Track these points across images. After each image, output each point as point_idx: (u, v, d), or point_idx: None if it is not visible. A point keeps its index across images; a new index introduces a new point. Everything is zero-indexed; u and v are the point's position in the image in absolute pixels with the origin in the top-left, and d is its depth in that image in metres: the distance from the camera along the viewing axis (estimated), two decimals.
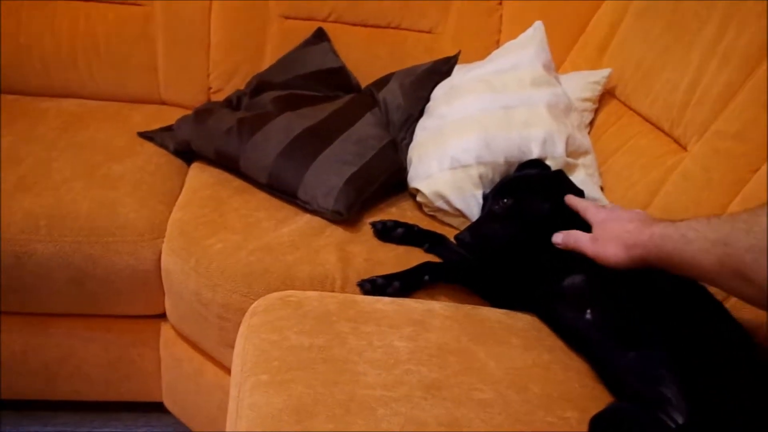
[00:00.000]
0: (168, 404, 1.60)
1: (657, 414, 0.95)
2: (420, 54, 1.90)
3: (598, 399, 1.06)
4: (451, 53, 1.77)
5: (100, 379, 1.56)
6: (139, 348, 1.53)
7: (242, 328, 1.14)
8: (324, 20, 1.93)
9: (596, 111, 1.72)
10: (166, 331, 1.50)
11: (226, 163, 1.54)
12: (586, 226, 1.24)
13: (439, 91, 1.64)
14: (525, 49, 1.62)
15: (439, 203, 1.47)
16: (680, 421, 0.92)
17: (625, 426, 0.97)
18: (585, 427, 0.97)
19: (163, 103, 1.92)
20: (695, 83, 1.45)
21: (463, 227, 1.40)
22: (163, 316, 1.48)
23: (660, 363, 1.01)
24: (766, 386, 1.00)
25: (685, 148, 1.44)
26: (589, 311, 1.14)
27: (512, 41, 1.70)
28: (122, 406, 1.65)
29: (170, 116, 1.74)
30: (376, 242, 1.39)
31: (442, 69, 1.69)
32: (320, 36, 1.90)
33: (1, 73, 1.84)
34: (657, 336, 1.07)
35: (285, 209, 1.45)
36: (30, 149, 1.56)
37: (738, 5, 1.41)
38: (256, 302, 1.18)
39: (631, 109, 1.65)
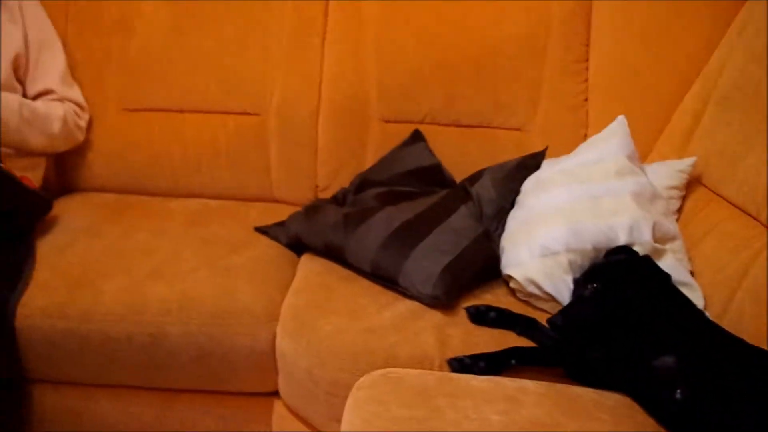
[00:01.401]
0: None
1: None
2: (510, 150, 2.01)
3: None
4: (540, 148, 1.89)
5: None
6: (253, 424, 1.65)
7: (349, 402, 1.25)
8: (420, 122, 2.09)
9: (684, 198, 1.78)
10: (278, 408, 1.62)
11: (334, 254, 1.69)
12: (670, 308, 1.30)
13: (528, 184, 1.75)
14: (609, 142, 1.72)
15: (531, 289, 1.55)
16: None
17: None
18: None
19: (276, 201, 2.11)
20: None
21: (554, 311, 1.47)
22: (275, 393, 1.60)
23: None
24: None
25: None
26: (679, 391, 1.19)
27: (597, 135, 1.80)
28: None
29: (282, 212, 1.92)
30: (471, 326, 1.48)
31: (531, 163, 1.81)
32: (417, 137, 2.06)
33: (134, 176, 2.09)
34: (751, 418, 1.10)
35: (387, 295, 1.57)
36: (161, 243, 1.76)
37: None
38: (361, 378, 1.29)
39: (717, 195, 1.70)
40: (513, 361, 1.34)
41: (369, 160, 2.07)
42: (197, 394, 1.64)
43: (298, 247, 1.80)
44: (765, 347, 1.32)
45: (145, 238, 1.79)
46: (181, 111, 2.11)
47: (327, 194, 2.05)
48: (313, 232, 1.74)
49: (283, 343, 1.51)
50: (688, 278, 1.55)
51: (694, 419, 1.15)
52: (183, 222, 1.90)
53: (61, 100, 1.96)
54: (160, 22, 2.09)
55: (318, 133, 2.09)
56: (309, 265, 1.72)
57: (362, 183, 1.93)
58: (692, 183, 1.79)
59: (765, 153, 1.55)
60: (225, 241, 1.80)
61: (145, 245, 1.75)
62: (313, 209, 1.81)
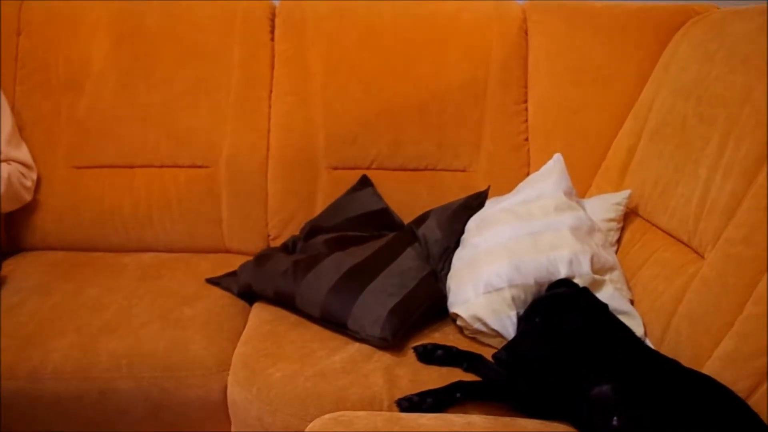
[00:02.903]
0: None
1: None
2: (456, 191, 2.07)
3: None
4: (485, 188, 1.94)
5: None
6: None
7: None
8: (368, 168, 2.14)
9: (622, 229, 1.85)
10: None
11: (284, 301, 1.71)
12: (608, 338, 1.35)
13: (472, 224, 1.80)
14: (547, 180, 1.79)
15: (477, 325, 1.59)
16: None
17: None
18: None
19: (228, 251, 2.13)
20: (705, 196, 1.57)
21: (500, 346, 1.50)
22: None
23: None
24: None
25: (702, 257, 1.54)
26: (615, 419, 1.23)
27: (535, 173, 1.87)
28: None
29: (235, 263, 1.94)
30: (420, 365, 1.51)
31: (474, 203, 1.87)
32: (365, 182, 2.11)
33: (85, 233, 2.10)
34: None
35: (337, 339, 1.59)
36: (112, 298, 1.76)
37: (734, 122, 1.55)
38: (311, 423, 1.31)
39: (653, 225, 1.77)
40: (458, 395, 1.37)
41: (319, 207, 2.11)
42: None
43: (249, 296, 1.82)
44: (701, 369, 1.37)
45: (97, 293, 1.79)
46: (132, 166, 2.13)
47: (278, 243, 2.08)
48: (264, 281, 1.76)
49: (234, 393, 1.52)
50: (627, 307, 1.61)
51: None
52: (135, 276, 1.91)
53: (6, 161, 1.97)
54: (108, 80, 2.13)
55: (268, 183, 2.13)
56: (260, 313, 1.74)
57: (312, 230, 1.97)
58: (629, 214, 1.86)
59: (693, 182, 1.62)
60: (177, 293, 1.81)
61: (96, 301, 1.75)
62: (263, 258, 1.84)
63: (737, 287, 1.40)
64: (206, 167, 2.13)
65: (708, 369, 1.37)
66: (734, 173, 1.51)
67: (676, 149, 1.74)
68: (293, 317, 1.69)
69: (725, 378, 1.31)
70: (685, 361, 1.40)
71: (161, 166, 2.14)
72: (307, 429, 1.29)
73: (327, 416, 1.32)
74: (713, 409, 1.21)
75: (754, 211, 1.43)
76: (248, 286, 1.80)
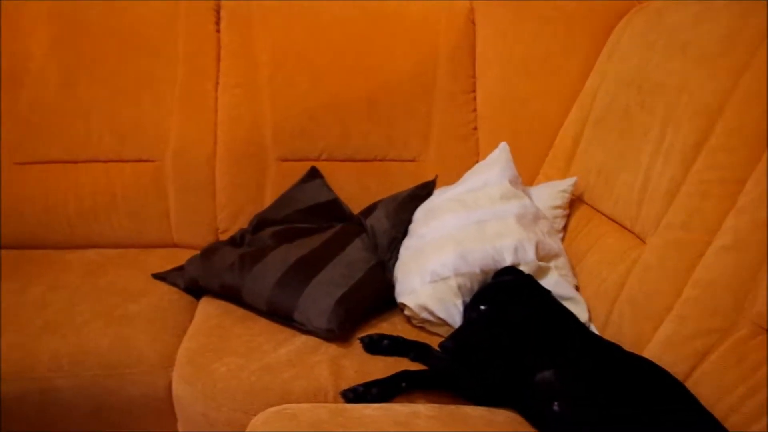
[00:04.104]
0: None
1: None
2: (406, 181, 2.06)
3: None
4: (434, 178, 1.95)
5: None
6: None
7: None
8: (317, 159, 2.13)
9: (568, 216, 1.87)
10: None
11: (230, 295, 1.69)
12: (551, 324, 1.36)
13: (419, 214, 1.80)
14: (493, 169, 1.80)
15: (424, 315, 1.59)
16: None
17: None
18: None
19: (176, 246, 2.10)
20: (646, 182, 1.60)
21: (447, 335, 1.51)
22: None
23: None
24: None
25: (644, 242, 1.56)
26: (556, 404, 1.24)
27: (481, 162, 1.88)
28: None
29: (182, 257, 1.90)
30: (366, 356, 1.51)
31: (422, 193, 1.87)
32: (314, 174, 2.09)
33: (28, 230, 2.05)
34: (619, 424, 1.16)
35: (283, 332, 1.58)
36: (56, 296, 1.73)
37: (673, 109, 1.57)
38: (255, 417, 1.30)
39: (598, 211, 1.79)
40: (404, 384, 1.37)
41: (268, 200, 2.09)
42: None
43: (196, 290, 1.80)
44: (642, 352, 1.40)
45: (40, 292, 1.76)
46: (75, 162, 2.09)
47: (227, 236, 2.05)
48: (210, 275, 1.74)
49: (178, 389, 1.50)
50: (572, 293, 1.62)
51: (571, 427, 1.20)
52: (80, 273, 1.87)
53: None
54: (50, 75, 2.08)
55: (216, 177, 2.10)
56: (207, 308, 1.72)
57: (260, 223, 1.95)
58: (575, 201, 1.88)
59: (635, 170, 1.64)
60: (122, 290, 1.78)
61: (39, 300, 1.72)
62: (209, 252, 1.82)
63: (676, 271, 1.42)
64: (152, 161, 2.09)
65: (648, 352, 1.39)
66: (673, 160, 1.54)
67: (619, 137, 1.77)
68: (240, 311, 1.67)
69: (665, 360, 1.33)
70: (627, 345, 1.42)
71: (106, 161, 2.10)
72: (250, 423, 1.28)
73: (271, 410, 1.31)
74: (652, 392, 1.23)
75: (691, 196, 1.46)
76: (195, 281, 1.78)
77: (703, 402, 1.21)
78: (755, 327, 1.24)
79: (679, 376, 1.29)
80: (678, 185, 1.50)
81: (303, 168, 2.11)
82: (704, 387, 1.25)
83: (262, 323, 1.62)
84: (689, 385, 1.27)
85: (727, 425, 1.16)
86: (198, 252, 1.88)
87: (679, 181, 1.50)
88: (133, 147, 2.09)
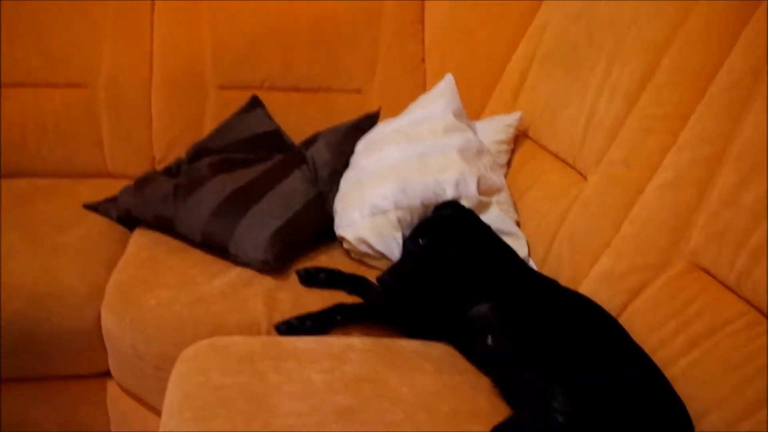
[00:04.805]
0: None
1: (545, 419, 1.05)
2: (350, 113, 1.99)
3: (504, 413, 1.14)
4: (380, 110, 1.90)
5: None
6: (88, 406, 1.59)
7: (172, 375, 1.22)
8: (258, 88, 2.05)
9: (513, 152, 1.84)
10: (112, 388, 1.57)
11: (164, 226, 1.64)
12: (490, 258, 1.35)
13: (361, 145, 1.76)
14: (437, 101, 1.75)
15: (363, 248, 1.56)
16: (561, 420, 1.01)
17: (519, 431, 1.05)
18: None
19: (111, 176, 2.02)
20: (591, 118, 1.58)
21: (386, 268, 1.49)
22: (108, 374, 1.55)
23: (552, 380, 1.10)
24: (644, 388, 1.09)
25: (586, 178, 1.55)
26: (491, 337, 1.24)
27: (426, 94, 1.84)
28: None
29: (116, 188, 1.82)
30: (302, 289, 1.48)
31: (365, 125, 1.81)
32: (255, 103, 2.02)
33: None
34: (551, 356, 1.17)
35: (218, 264, 1.54)
36: None
37: (620, 45, 1.55)
38: (185, 350, 1.26)
39: (542, 147, 1.77)
40: (339, 317, 1.35)
41: (206, 129, 2.01)
42: (25, 383, 1.56)
43: (129, 222, 1.73)
44: (578, 288, 1.40)
45: None
46: (1, 86, 1.97)
47: (164, 166, 1.97)
48: (144, 205, 1.68)
49: (108, 321, 1.46)
50: (512, 228, 1.61)
51: (504, 360, 1.20)
52: (7, 204, 1.78)
53: None
54: None
55: (152, 104, 2.02)
56: (140, 239, 1.66)
57: (197, 152, 1.88)
58: (520, 137, 1.85)
59: (580, 105, 1.62)
60: (51, 220, 1.71)
61: None
62: (143, 182, 1.75)
63: (615, 208, 1.42)
64: (84, 86, 1.99)
65: (584, 288, 1.40)
66: (618, 96, 1.52)
67: (566, 72, 1.74)
68: (174, 243, 1.62)
69: (600, 296, 1.34)
70: (565, 280, 1.43)
71: (35, 86, 1.99)
72: (180, 356, 1.25)
73: (202, 342, 1.27)
74: (585, 327, 1.23)
75: (634, 132, 1.45)
76: (128, 212, 1.71)
77: (634, 337, 1.22)
78: (689, 264, 1.24)
79: (613, 311, 1.30)
80: (621, 121, 1.48)
81: (244, 97, 2.03)
82: (637, 322, 1.26)
83: (197, 255, 1.57)
84: (622, 320, 1.28)
85: (656, 359, 1.17)
86: (132, 182, 1.81)
87: (622, 117, 1.49)
88: (63, 71, 1.99)
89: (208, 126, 2.02)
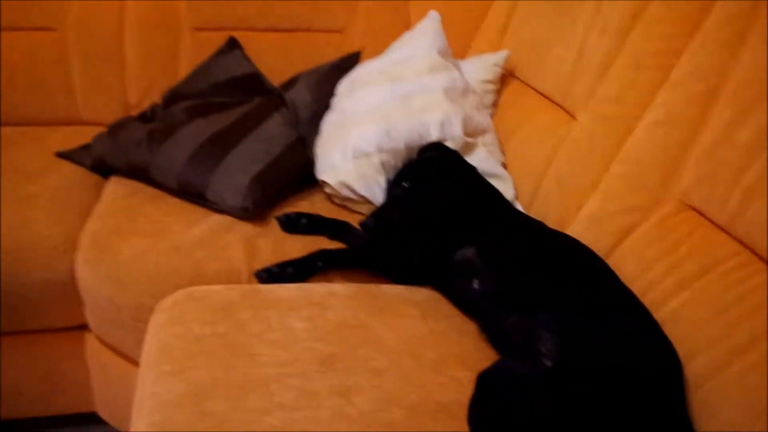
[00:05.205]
0: (101, 413, 1.63)
1: (532, 364, 1.02)
2: (332, 54, 1.94)
3: (491, 358, 1.11)
4: (363, 50, 1.83)
5: (32, 395, 1.58)
6: (67, 360, 1.56)
7: (150, 325, 1.19)
8: (235, 29, 1.98)
9: (499, 92, 1.79)
10: (90, 340, 1.54)
11: (138, 173, 1.58)
12: (475, 201, 1.31)
13: (342, 87, 1.70)
14: (421, 39, 1.69)
15: (345, 192, 1.52)
16: (549, 364, 0.99)
17: (506, 377, 1.03)
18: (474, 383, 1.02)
19: (84, 123, 1.94)
20: (580, 55, 1.52)
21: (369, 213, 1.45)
22: (85, 326, 1.51)
23: (539, 324, 1.07)
24: (633, 334, 1.07)
25: (574, 118, 1.50)
26: (476, 281, 1.21)
27: (409, 32, 1.77)
28: (58, 420, 1.67)
29: (90, 135, 1.76)
30: (283, 235, 1.44)
31: (346, 65, 1.75)
32: (232, 45, 1.95)
33: None
34: (538, 300, 1.13)
35: (196, 211, 1.49)
36: None
37: None
38: (163, 300, 1.23)
39: (529, 86, 1.71)
40: (320, 264, 1.31)
41: (182, 73, 1.95)
42: (3, 337, 1.51)
43: (104, 170, 1.67)
44: (566, 229, 1.36)
45: None
46: None
47: (139, 112, 1.91)
48: (118, 152, 1.62)
49: (83, 272, 1.41)
50: (499, 170, 1.57)
51: (490, 305, 1.17)
52: None
53: None
54: None
55: (125, 47, 1.95)
56: (115, 188, 1.61)
57: (173, 97, 1.81)
58: (507, 76, 1.79)
59: (569, 42, 1.56)
60: (23, 169, 1.64)
61: None
62: (117, 128, 1.69)
63: (605, 147, 1.38)
64: (53, 29, 1.91)
65: (572, 229, 1.36)
66: (609, 32, 1.46)
67: (554, 10, 1.67)
68: (150, 190, 1.57)
69: (588, 237, 1.30)
70: (552, 222, 1.39)
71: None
72: (157, 306, 1.21)
73: (180, 292, 1.24)
74: (573, 269, 1.20)
75: (625, 69, 1.40)
76: (101, 159, 1.65)
77: (623, 278, 1.19)
78: (680, 204, 1.20)
79: (602, 253, 1.26)
80: (612, 58, 1.43)
81: (220, 39, 1.97)
82: (626, 264, 1.22)
83: (173, 202, 1.52)
84: (611, 262, 1.24)
85: (645, 301, 1.14)
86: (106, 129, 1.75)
87: (613, 54, 1.43)
88: (29, 13, 1.91)
89: (184, 69, 1.96)
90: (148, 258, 1.35)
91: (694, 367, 1.03)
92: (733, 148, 1.12)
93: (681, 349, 1.05)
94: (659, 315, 1.11)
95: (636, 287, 1.17)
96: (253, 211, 1.44)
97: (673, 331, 1.08)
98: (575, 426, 0.95)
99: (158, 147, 1.55)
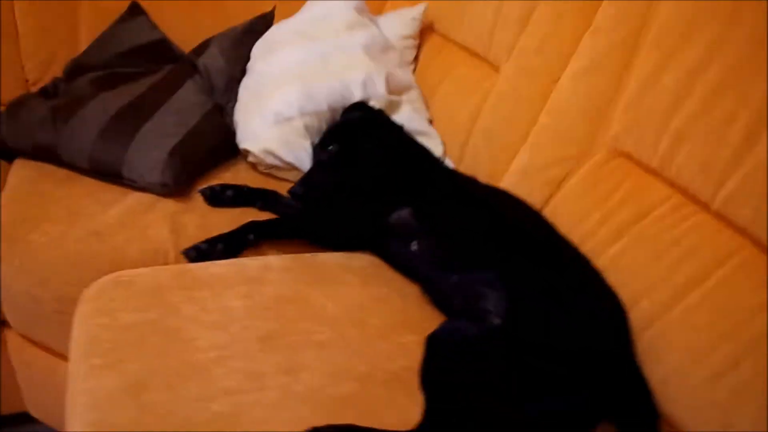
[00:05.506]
0: (34, 412, 1.54)
1: (480, 323, 1.01)
2: (242, 16, 1.83)
3: (436, 321, 1.09)
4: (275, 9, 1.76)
5: None
6: None
7: (75, 317, 1.11)
8: None
9: (419, 47, 1.75)
10: (11, 338, 1.43)
11: (46, 155, 1.47)
12: (405, 161, 1.28)
13: (257, 49, 1.63)
14: None
15: (270, 160, 1.46)
16: (497, 322, 0.98)
17: (455, 338, 1.02)
18: (423, 348, 1.01)
19: None
20: (500, 6, 1.50)
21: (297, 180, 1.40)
22: (4, 323, 1.42)
23: (481, 282, 1.06)
24: (577, 284, 1.07)
25: (497, 71, 1.48)
26: (414, 243, 1.18)
27: None
28: None
29: None
30: (209, 209, 1.38)
31: (260, 26, 1.68)
32: (135, 10, 1.83)
33: None
34: (479, 258, 1.12)
35: (112, 191, 1.40)
36: None
37: None
38: (86, 289, 1.15)
39: (450, 40, 1.68)
40: (251, 237, 1.26)
41: (83, 44, 1.83)
42: None
43: (6, 154, 1.55)
44: (498, 183, 1.35)
45: None
46: None
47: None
48: (20, 134, 1.50)
49: None
50: (425, 127, 1.54)
51: (430, 266, 1.16)
52: None
53: None
54: None
55: (16, 20, 1.80)
56: (20, 172, 1.49)
57: (75, 69, 1.70)
58: (426, 31, 1.75)
59: None
60: None
61: None
62: (16, 106, 1.55)
63: (531, 99, 1.37)
64: None
65: (505, 183, 1.35)
66: None
67: None
68: (61, 172, 1.46)
69: (521, 190, 1.30)
70: (483, 177, 1.38)
71: None
72: (81, 296, 1.13)
73: (105, 278, 1.16)
74: (509, 224, 1.19)
75: (545, 19, 1.39)
76: (2, 142, 1.53)
77: (560, 229, 1.19)
78: (610, 152, 1.21)
79: (537, 206, 1.27)
80: (532, 7, 1.42)
81: (122, 5, 1.85)
82: (561, 215, 1.23)
83: (87, 183, 1.43)
84: (546, 213, 1.25)
85: (583, 250, 1.14)
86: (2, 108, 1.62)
87: (532, 4, 1.41)
88: None
89: (85, 40, 1.84)
90: (65, 245, 1.27)
91: (638, 312, 1.04)
92: (659, 93, 1.12)
93: (624, 295, 1.06)
94: (599, 263, 1.12)
95: (574, 237, 1.17)
96: (174, 187, 1.37)
97: (614, 279, 1.09)
98: (528, 382, 0.95)
99: (64, 124, 1.44)
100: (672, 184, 1.09)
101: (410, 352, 1.02)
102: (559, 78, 1.32)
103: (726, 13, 1.05)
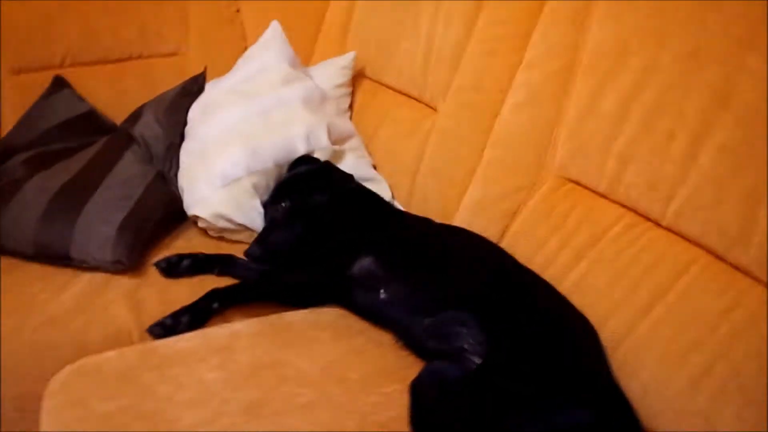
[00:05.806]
0: None
1: (460, 363, 1.02)
2: (171, 79, 1.82)
3: (415, 366, 1.10)
4: (201, 70, 1.74)
5: None
6: None
7: (42, 415, 1.06)
8: (60, 66, 1.82)
9: (353, 94, 1.77)
10: None
11: None
12: (358, 209, 1.29)
13: (194, 112, 1.61)
14: (268, 51, 1.64)
15: (222, 223, 1.44)
16: (478, 361, 0.99)
17: (438, 382, 1.02)
18: (407, 396, 1.01)
19: None
20: (429, 47, 1.54)
21: (251, 240, 1.39)
22: None
23: (453, 321, 1.08)
24: (548, 313, 1.09)
25: (436, 110, 1.52)
26: (382, 291, 1.19)
27: (254, 45, 1.71)
28: None
29: None
30: (166, 281, 1.35)
31: (193, 88, 1.67)
32: (59, 84, 1.78)
33: None
34: (449, 299, 1.13)
35: (62, 274, 1.35)
36: None
37: None
38: (50, 382, 1.10)
39: (382, 84, 1.71)
40: (216, 305, 1.23)
41: (8, 123, 1.75)
42: None
43: None
44: (451, 221, 1.38)
45: None
46: None
47: None
48: None
49: None
50: (371, 173, 1.56)
51: (401, 312, 1.16)
52: None
53: None
54: None
55: None
56: None
57: (4, 151, 1.62)
58: (358, 77, 1.78)
59: (416, 36, 1.57)
60: None
61: None
62: None
63: (473, 134, 1.40)
64: None
65: (458, 220, 1.38)
66: (455, 21, 1.49)
67: (395, 4, 1.67)
68: (4, 261, 1.39)
69: (476, 225, 1.33)
70: (436, 216, 1.40)
71: None
72: (47, 391, 1.08)
73: (68, 368, 1.11)
74: (470, 259, 1.21)
75: (478, 56, 1.43)
76: None
77: (519, 259, 1.22)
78: (558, 179, 1.25)
79: (494, 239, 1.29)
80: (463, 47, 1.46)
81: (44, 79, 1.79)
82: (519, 245, 1.26)
83: (33, 270, 1.36)
84: (505, 245, 1.27)
85: (545, 277, 1.17)
86: None
87: (463, 42, 1.46)
88: None
89: (8, 119, 1.76)
90: (20, 337, 1.21)
91: (607, 332, 1.07)
92: (599, 118, 1.17)
93: (591, 317, 1.10)
94: (562, 288, 1.15)
95: (534, 266, 1.20)
96: (127, 263, 1.33)
97: (579, 302, 1.12)
98: (514, 416, 0.96)
99: (2, 211, 1.39)
100: (622, 204, 1.14)
101: (395, 402, 1.02)
102: (499, 112, 1.35)
103: (655, 36, 1.10)
